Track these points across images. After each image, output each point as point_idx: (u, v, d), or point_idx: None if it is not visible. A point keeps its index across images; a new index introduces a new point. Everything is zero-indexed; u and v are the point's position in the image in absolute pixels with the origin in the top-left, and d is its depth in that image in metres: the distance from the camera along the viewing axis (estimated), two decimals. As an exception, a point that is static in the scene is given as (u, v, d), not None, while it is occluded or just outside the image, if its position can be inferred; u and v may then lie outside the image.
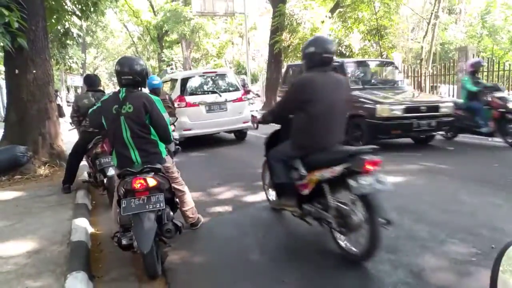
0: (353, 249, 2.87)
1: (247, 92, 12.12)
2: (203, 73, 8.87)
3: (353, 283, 2.60)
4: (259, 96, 12.13)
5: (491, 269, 1.38)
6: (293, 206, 3.25)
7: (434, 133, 7.17)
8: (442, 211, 3.81)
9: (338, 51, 15.17)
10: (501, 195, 4.21)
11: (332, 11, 16.83)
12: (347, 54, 15.05)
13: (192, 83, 8.36)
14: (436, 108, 6.77)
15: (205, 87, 8.50)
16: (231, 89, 8.54)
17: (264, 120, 3.52)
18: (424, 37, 18.04)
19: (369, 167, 2.60)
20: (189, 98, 7.96)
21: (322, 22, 15.49)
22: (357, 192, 2.63)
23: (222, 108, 8.20)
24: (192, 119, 7.88)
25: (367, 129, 6.70)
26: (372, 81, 8.10)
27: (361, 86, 7.48)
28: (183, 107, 7.79)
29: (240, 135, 9.01)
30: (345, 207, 2.78)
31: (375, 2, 13.37)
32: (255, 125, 5.23)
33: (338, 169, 2.74)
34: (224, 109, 8.20)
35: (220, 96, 8.19)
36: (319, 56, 3.00)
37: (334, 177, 2.79)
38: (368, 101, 6.80)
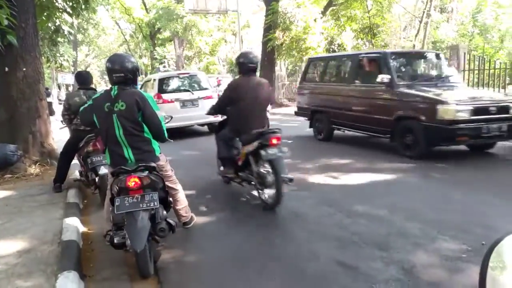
0: (269, 200, 3.97)
1: None
2: (178, 74, 10.36)
3: (345, 282, 2.61)
4: None
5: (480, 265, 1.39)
6: (232, 174, 4.41)
7: (503, 140, 6.04)
8: (434, 209, 3.84)
9: (331, 50, 15.19)
10: (493, 195, 4.26)
11: (325, 9, 16.85)
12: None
13: (168, 83, 9.69)
14: (506, 109, 5.63)
15: (180, 86, 9.73)
16: (202, 88, 9.77)
17: (210, 113, 4.73)
18: (416, 36, 18.18)
19: (273, 141, 3.79)
20: (165, 96, 9.04)
21: (315, 20, 15.50)
22: (265, 158, 3.79)
23: (194, 104, 9.30)
24: (168, 114, 8.85)
25: (423, 134, 5.64)
26: (421, 75, 7.10)
27: (408, 82, 6.40)
28: (160, 103, 8.46)
29: (213, 127, 9.90)
30: (263, 171, 3.94)
31: (368, 0, 13.42)
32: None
33: (255, 144, 3.90)
34: (196, 105, 9.27)
35: (193, 94, 9.37)
36: (246, 66, 4.17)
37: (254, 150, 3.91)
38: (423, 100, 5.74)
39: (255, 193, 4.28)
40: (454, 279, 2.57)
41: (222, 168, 4.63)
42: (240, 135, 4.20)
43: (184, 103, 9.22)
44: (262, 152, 3.76)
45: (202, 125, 9.98)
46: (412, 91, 6.04)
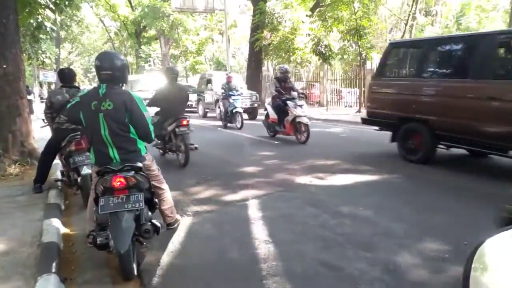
0: (182, 161, 6.08)
1: (283, 90, 8.28)
2: (140, 76, 14.13)
3: (330, 282, 2.61)
4: (306, 97, 9.11)
5: (463, 266, 1.41)
6: (162, 145, 6.38)
7: None
8: (418, 210, 3.89)
9: (317, 51, 15.28)
10: (477, 199, 4.34)
11: (312, 10, 16.94)
12: (327, 53, 15.17)
13: (134, 83, 13.65)
14: None
15: (143, 86, 13.24)
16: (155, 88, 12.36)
17: (148, 104, 5.94)
18: (402, 38, 18.41)
19: (184, 122, 5.90)
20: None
21: (302, 22, 15.56)
22: (178, 134, 5.90)
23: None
24: None
25: None
26: None
27: None
28: None
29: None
30: (179, 143, 6.03)
31: (355, 2, 13.52)
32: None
33: (173, 125, 5.92)
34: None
35: (152, 93, 11.77)
36: (170, 75, 6.11)
37: (173, 129, 5.92)
38: None
39: (174, 156, 6.40)
40: (438, 279, 2.60)
41: (156, 142, 6.43)
42: (167, 120, 6.01)
43: (144, 99, 11.70)
44: (177, 130, 5.89)
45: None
46: None
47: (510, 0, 12.96)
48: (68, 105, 3.04)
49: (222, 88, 11.54)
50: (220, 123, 12.01)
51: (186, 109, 17.20)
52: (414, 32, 19.21)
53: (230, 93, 11.23)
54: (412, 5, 18.20)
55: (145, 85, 13.23)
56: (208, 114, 15.67)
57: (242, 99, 12.02)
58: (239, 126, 10.96)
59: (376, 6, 16.31)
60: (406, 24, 18.01)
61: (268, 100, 9.24)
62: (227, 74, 12.59)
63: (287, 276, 2.69)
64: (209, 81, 15.46)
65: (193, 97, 17.32)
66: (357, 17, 13.52)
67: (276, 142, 8.26)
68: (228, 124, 11.40)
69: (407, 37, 17.75)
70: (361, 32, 13.69)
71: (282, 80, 8.43)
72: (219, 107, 12.38)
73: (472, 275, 1.32)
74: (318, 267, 2.79)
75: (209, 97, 15.22)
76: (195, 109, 16.92)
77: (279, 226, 3.61)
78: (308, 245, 3.16)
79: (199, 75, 31.71)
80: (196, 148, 6.07)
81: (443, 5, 27.16)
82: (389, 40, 22.85)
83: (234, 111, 11.03)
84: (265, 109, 8.96)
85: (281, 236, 3.40)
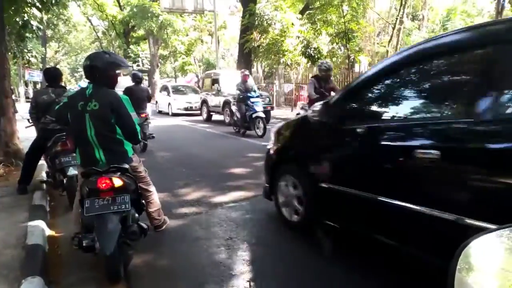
0: (141, 147, 7.62)
1: (326, 91, 6.56)
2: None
3: (321, 283, 2.62)
4: None
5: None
6: None
7: None
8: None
9: (307, 53, 15.37)
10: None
11: (302, 12, 17.05)
12: (316, 56, 15.27)
13: None
14: None
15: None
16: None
17: None
18: (389, 42, 18.67)
19: (142, 116, 7.23)
20: None
21: (292, 24, 15.64)
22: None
23: None
24: None
25: None
26: None
27: None
28: None
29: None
30: (144, 131, 7.27)
31: (343, 5, 13.66)
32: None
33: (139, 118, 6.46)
34: None
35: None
36: (135, 79, 7.69)
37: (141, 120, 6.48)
38: None
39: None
40: (424, 279, 2.63)
41: None
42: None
43: None
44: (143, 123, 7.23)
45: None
46: None
47: (494, 6, 13.27)
48: (57, 106, 3.00)
49: (238, 89, 9.95)
50: (230, 129, 10.77)
51: (187, 112, 16.34)
52: (402, 35, 19.48)
53: (248, 94, 9.61)
54: (400, 9, 18.45)
55: (123, 87, 13.53)
56: (213, 118, 14.38)
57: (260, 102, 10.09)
58: (260, 133, 9.36)
59: (364, 10, 16.50)
60: (393, 28, 18.24)
61: None
62: (242, 72, 10.48)
63: (276, 278, 2.70)
64: (215, 81, 13.76)
65: (194, 98, 16.62)
66: (345, 20, 13.65)
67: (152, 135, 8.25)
68: (247, 132, 9.89)
69: (394, 41, 17.99)
70: (350, 35, 13.83)
71: (323, 80, 6.59)
72: (227, 111, 11.25)
73: (457, 276, 1.33)
74: (307, 269, 2.80)
75: (215, 99, 13.60)
76: (198, 111, 15.51)
77: (268, 228, 3.61)
78: (296, 247, 3.17)
79: (189, 75, 31.73)
80: (153, 136, 7.74)
81: (429, 9, 27.63)
82: (377, 43, 23.11)
83: (254, 116, 9.40)
84: (297, 115, 7.32)
85: (270, 238, 3.40)
